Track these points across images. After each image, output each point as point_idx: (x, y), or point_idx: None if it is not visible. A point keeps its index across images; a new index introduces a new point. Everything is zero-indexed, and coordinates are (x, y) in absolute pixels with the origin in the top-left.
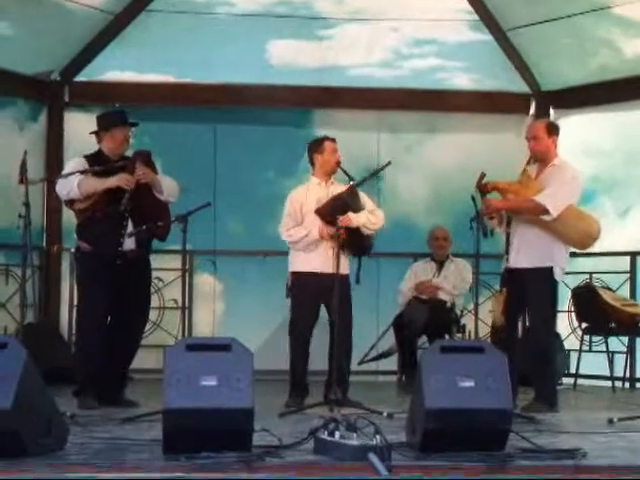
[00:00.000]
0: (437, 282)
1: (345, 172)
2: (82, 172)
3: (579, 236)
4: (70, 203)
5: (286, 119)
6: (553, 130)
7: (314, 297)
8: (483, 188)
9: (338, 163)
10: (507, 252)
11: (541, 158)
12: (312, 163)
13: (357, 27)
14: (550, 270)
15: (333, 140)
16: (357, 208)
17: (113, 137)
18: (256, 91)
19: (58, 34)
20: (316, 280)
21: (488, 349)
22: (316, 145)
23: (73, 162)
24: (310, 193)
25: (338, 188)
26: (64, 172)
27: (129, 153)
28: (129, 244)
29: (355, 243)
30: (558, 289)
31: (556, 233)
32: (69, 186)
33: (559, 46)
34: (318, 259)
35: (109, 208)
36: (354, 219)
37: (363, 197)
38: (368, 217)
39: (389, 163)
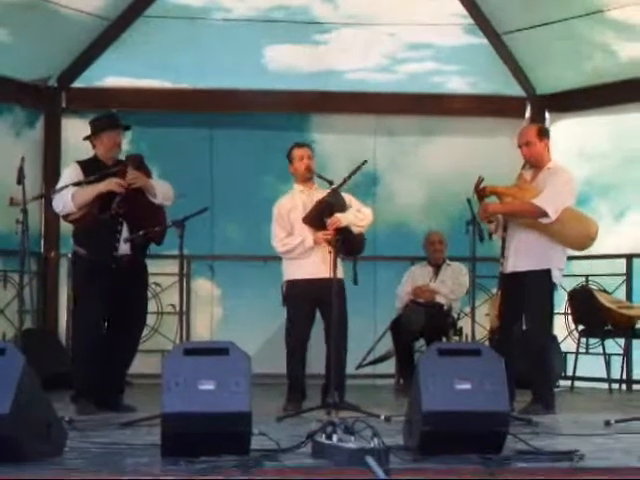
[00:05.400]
0: (434, 287)
1: (321, 177)
2: (76, 184)
3: (577, 237)
4: (65, 216)
5: (283, 124)
6: (544, 134)
7: (309, 303)
8: (481, 192)
9: (307, 169)
10: (502, 256)
11: (535, 163)
12: (291, 172)
13: (353, 32)
14: (548, 272)
15: (302, 146)
16: (342, 208)
17: (103, 142)
18: (253, 96)
19: (55, 40)
20: (311, 286)
21: (485, 352)
22: (288, 154)
23: (67, 171)
24: (295, 200)
25: (321, 193)
26: (58, 186)
27: (123, 157)
28: (124, 249)
29: (347, 243)
30: (555, 292)
31: (554, 235)
32: (64, 200)
33: (554, 50)
34: (312, 265)
35: (100, 214)
36: (342, 218)
37: (348, 198)
38: (355, 214)
39: (365, 162)
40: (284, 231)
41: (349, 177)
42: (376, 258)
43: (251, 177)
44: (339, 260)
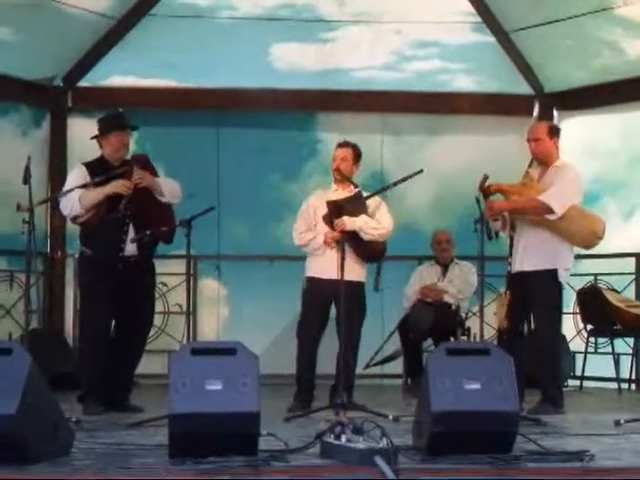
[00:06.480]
0: (442, 286)
1: (349, 180)
2: (82, 186)
3: (584, 234)
4: (74, 219)
5: (290, 122)
6: (555, 132)
7: (323, 302)
8: (486, 190)
9: (336, 170)
10: (510, 255)
11: (542, 160)
12: None
13: (360, 30)
14: (555, 272)
15: (341, 146)
16: (355, 212)
17: (110, 143)
18: (259, 95)
19: (61, 39)
20: (326, 285)
21: (494, 351)
22: None
23: (73, 174)
24: (325, 199)
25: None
26: (65, 189)
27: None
28: (131, 249)
29: (360, 248)
30: (563, 291)
31: (561, 232)
32: (71, 203)
33: (562, 47)
34: (328, 264)
35: (108, 215)
36: (348, 222)
37: (376, 203)
38: (366, 221)
39: (421, 171)
40: (305, 225)
41: (394, 184)
42: (384, 257)
43: (257, 176)
44: (364, 264)
